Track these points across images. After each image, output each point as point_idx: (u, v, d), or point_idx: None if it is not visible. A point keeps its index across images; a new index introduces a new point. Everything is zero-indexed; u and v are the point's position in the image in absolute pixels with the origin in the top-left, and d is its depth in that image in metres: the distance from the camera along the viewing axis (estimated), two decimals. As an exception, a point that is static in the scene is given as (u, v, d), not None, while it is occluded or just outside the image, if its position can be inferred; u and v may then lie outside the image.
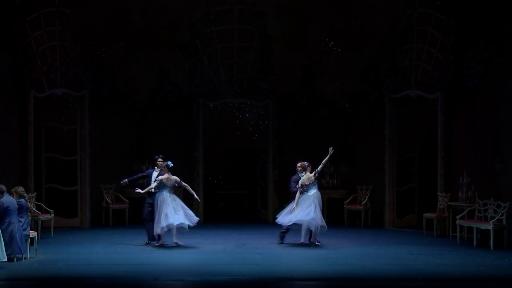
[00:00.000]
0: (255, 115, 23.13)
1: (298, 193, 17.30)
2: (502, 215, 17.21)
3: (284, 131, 21.83)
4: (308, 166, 17.48)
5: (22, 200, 15.51)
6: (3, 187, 15.30)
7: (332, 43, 21.40)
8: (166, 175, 17.21)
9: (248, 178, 23.56)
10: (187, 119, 21.70)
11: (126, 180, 18.03)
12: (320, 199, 17.42)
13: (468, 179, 18.53)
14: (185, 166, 21.57)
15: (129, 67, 21.32)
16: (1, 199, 15.14)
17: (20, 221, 15.25)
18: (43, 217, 18.52)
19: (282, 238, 17.59)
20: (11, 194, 15.45)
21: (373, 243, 17.99)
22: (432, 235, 18.93)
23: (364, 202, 20.88)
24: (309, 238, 17.36)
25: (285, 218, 17.28)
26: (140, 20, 21.25)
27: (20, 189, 15.71)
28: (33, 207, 18.29)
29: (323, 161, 17.32)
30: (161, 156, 17.70)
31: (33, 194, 18.80)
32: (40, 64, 19.65)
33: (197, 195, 21.62)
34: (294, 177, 17.69)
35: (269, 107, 21.91)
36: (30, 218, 16.38)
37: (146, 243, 17.49)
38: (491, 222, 17.19)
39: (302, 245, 17.29)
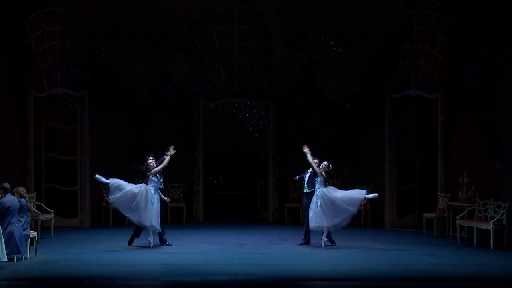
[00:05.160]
0: (255, 115, 23.13)
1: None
2: (502, 215, 17.21)
3: (284, 131, 21.83)
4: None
5: (23, 200, 15.52)
6: (8, 186, 15.33)
7: (332, 43, 21.41)
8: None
9: (248, 178, 23.55)
10: (187, 119, 21.70)
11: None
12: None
13: (468, 179, 18.53)
14: (185, 166, 21.59)
15: (129, 67, 21.32)
16: (3, 199, 15.17)
17: (20, 220, 15.26)
18: (43, 217, 18.52)
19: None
20: (12, 193, 15.46)
21: (373, 243, 17.98)
22: (432, 235, 18.93)
23: (364, 202, 20.85)
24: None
25: None
26: (140, 20, 21.26)
27: (21, 189, 15.74)
28: (33, 207, 18.29)
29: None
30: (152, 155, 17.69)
31: (33, 194, 18.80)
32: (40, 64, 19.65)
33: (197, 195, 21.80)
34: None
35: (269, 107, 21.91)
36: (30, 218, 16.38)
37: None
38: (491, 222, 17.19)
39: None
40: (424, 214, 19.42)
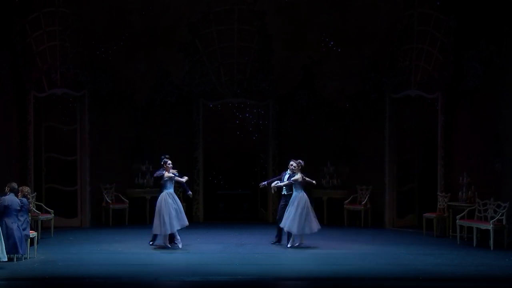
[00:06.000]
0: (255, 115, 23.12)
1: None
2: (502, 215, 17.21)
3: (284, 131, 21.83)
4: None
5: (24, 199, 15.53)
6: (15, 186, 15.34)
7: (332, 43, 21.40)
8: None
9: (248, 178, 23.54)
10: (187, 119, 21.70)
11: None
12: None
13: (468, 179, 18.53)
14: (185, 166, 21.57)
15: (129, 67, 21.31)
16: (4, 197, 15.18)
17: (19, 220, 15.26)
18: (43, 217, 18.52)
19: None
20: (16, 194, 15.47)
21: (373, 243, 17.99)
22: (432, 235, 18.93)
23: (364, 202, 20.89)
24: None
25: None
26: (140, 20, 21.25)
27: (26, 189, 15.79)
28: (33, 207, 18.28)
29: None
30: (167, 156, 17.60)
31: (33, 194, 18.78)
32: (40, 64, 19.64)
33: (197, 195, 21.80)
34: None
35: (269, 107, 21.91)
36: (30, 218, 16.39)
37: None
38: (491, 222, 17.20)
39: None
40: (424, 214, 19.42)
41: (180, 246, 16.98)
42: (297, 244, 17.16)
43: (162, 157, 17.44)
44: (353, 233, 19.59)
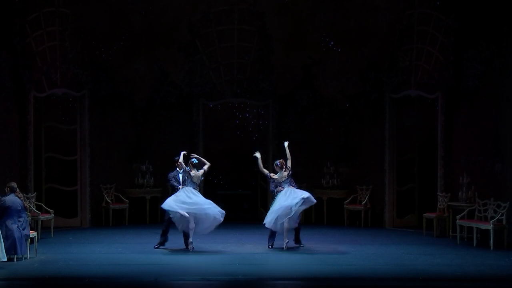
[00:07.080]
0: (255, 115, 23.13)
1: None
2: (502, 215, 17.22)
3: (284, 131, 21.81)
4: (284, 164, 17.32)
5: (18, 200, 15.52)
6: (15, 186, 15.33)
7: (332, 43, 21.41)
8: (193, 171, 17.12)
9: (248, 178, 23.53)
10: (187, 119, 21.69)
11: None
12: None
13: (468, 179, 18.53)
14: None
15: (129, 67, 21.31)
16: (5, 197, 15.17)
17: (19, 221, 15.25)
18: (43, 217, 18.52)
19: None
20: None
21: (373, 243, 17.99)
22: (432, 235, 18.93)
23: (364, 202, 20.88)
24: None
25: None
26: (140, 20, 21.26)
27: None
28: (33, 207, 18.29)
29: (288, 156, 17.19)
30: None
31: (33, 194, 18.80)
32: (40, 64, 19.64)
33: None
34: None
35: (269, 107, 21.91)
36: (30, 218, 16.37)
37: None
38: (491, 222, 17.20)
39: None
40: (424, 214, 19.42)
41: (190, 248, 16.82)
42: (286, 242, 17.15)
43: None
44: (353, 233, 19.60)
